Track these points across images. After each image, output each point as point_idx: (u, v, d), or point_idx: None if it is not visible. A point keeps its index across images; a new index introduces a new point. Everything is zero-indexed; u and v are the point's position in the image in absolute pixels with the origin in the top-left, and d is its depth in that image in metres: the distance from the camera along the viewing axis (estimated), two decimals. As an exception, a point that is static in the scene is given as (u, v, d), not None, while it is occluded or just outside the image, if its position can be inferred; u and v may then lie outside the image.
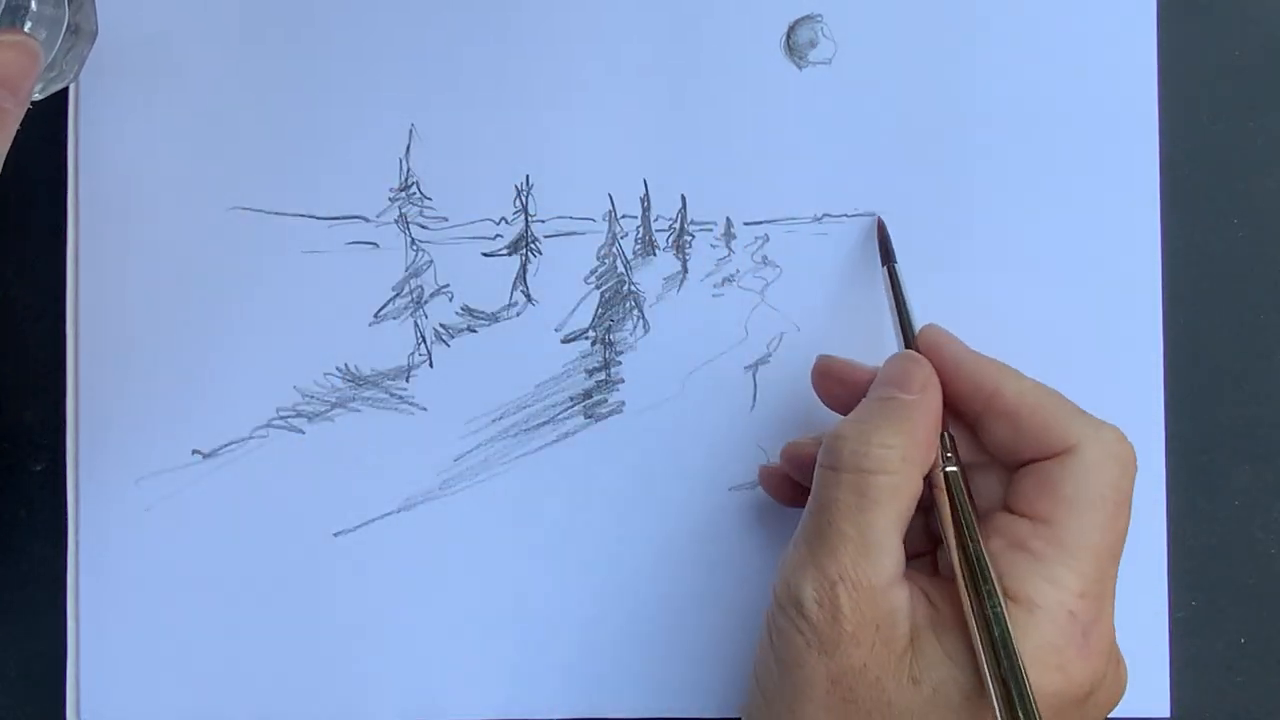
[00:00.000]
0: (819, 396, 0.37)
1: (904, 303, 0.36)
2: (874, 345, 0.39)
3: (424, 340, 0.39)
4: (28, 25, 0.33)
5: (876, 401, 0.34)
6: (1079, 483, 0.31)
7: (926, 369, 0.34)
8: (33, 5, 0.33)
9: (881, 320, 0.39)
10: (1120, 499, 0.31)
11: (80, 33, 0.34)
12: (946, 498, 0.32)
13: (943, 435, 0.33)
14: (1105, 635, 0.31)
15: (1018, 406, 0.33)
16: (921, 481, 0.32)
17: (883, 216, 0.39)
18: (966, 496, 0.32)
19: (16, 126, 0.31)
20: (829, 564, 0.31)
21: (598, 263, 0.39)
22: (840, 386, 0.36)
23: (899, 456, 0.32)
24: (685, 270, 0.39)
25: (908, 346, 0.35)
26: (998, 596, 0.30)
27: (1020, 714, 0.29)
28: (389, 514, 0.39)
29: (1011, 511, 0.32)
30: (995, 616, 0.30)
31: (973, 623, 0.30)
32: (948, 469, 0.33)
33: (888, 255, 0.38)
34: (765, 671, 0.33)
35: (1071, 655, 0.30)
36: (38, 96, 0.33)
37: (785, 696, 0.31)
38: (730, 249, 0.39)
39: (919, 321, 0.36)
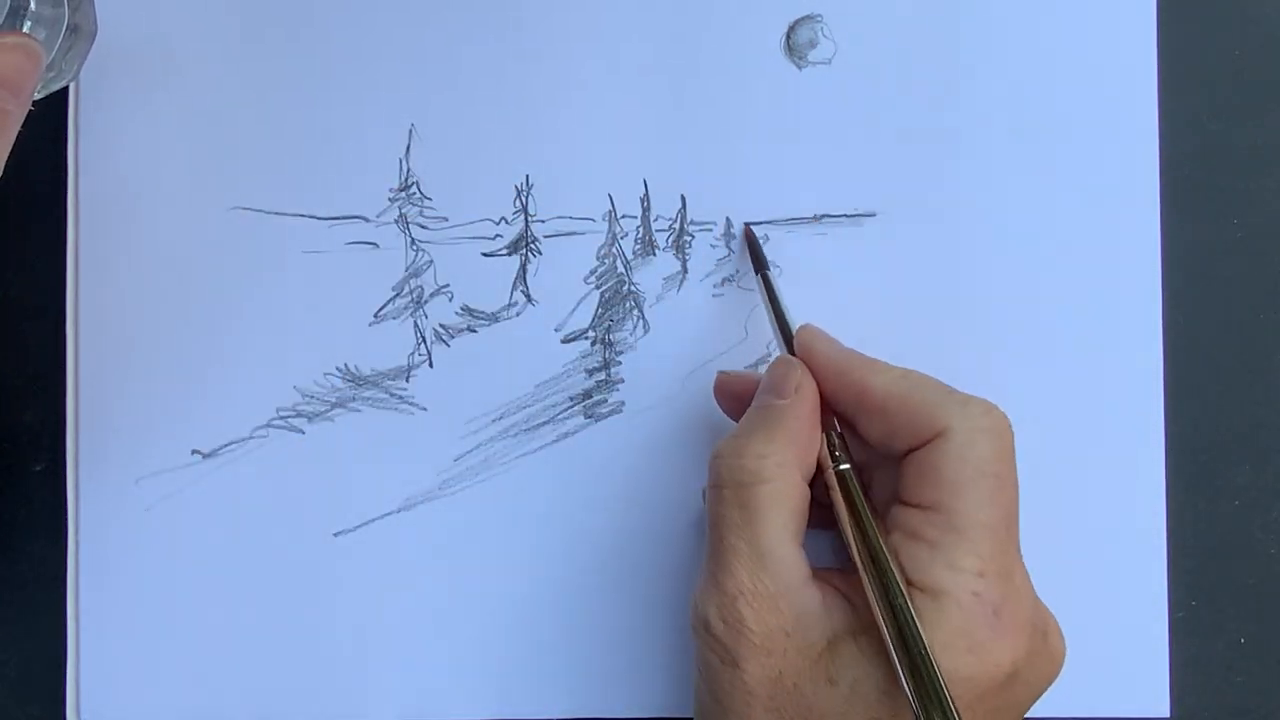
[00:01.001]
0: (725, 414, 0.37)
1: (780, 308, 0.36)
2: (874, 345, 0.39)
3: (424, 340, 0.39)
4: (27, 25, 0.33)
5: (754, 411, 0.34)
6: (955, 463, 0.31)
7: (797, 371, 0.34)
8: (32, 5, 0.33)
9: (884, 320, 0.39)
10: (1000, 469, 0.31)
11: (79, 32, 0.34)
12: (842, 497, 0.33)
13: (830, 434, 0.33)
14: (1020, 611, 0.31)
15: (884, 400, 0.33)
16: (805, 483, 0.33)
17: (883, 216, 0.39)
18: (861, 492, 0.32)
19: (18, 128, 0.31)
20: (727, 581, 0.31)
21: (598, 263, 0.39)
22: (736, 401, 0.36)
23: (774, 463, 0.32)
24: (685, 270, 0.39)
25: (789, 351, 0.35)
26: (899, 586, 0.30)
27: (934, 699, 0.29)
28: (389, 514, 0.39)
29: (905, 503, 0.32)
30: (898, 607, 0.30)
31: (879, 615, 0.30)
32: (839, 468, 0.33)
33: (760, 263, 0.38)
34: (698, 692, 0.33)
35: (983, 636, 0.30)
36: (37, 96, 0.33)
37: (716, 715, 0.32)
38: (730, 249, 0.39)
39: (795, 323, 0.36)
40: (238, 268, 0.39)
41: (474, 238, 0.39)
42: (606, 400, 0.39)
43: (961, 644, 0.30)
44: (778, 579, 0.31)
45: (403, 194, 0.39)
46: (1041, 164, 0.39)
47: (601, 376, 0.39)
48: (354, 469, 0.39)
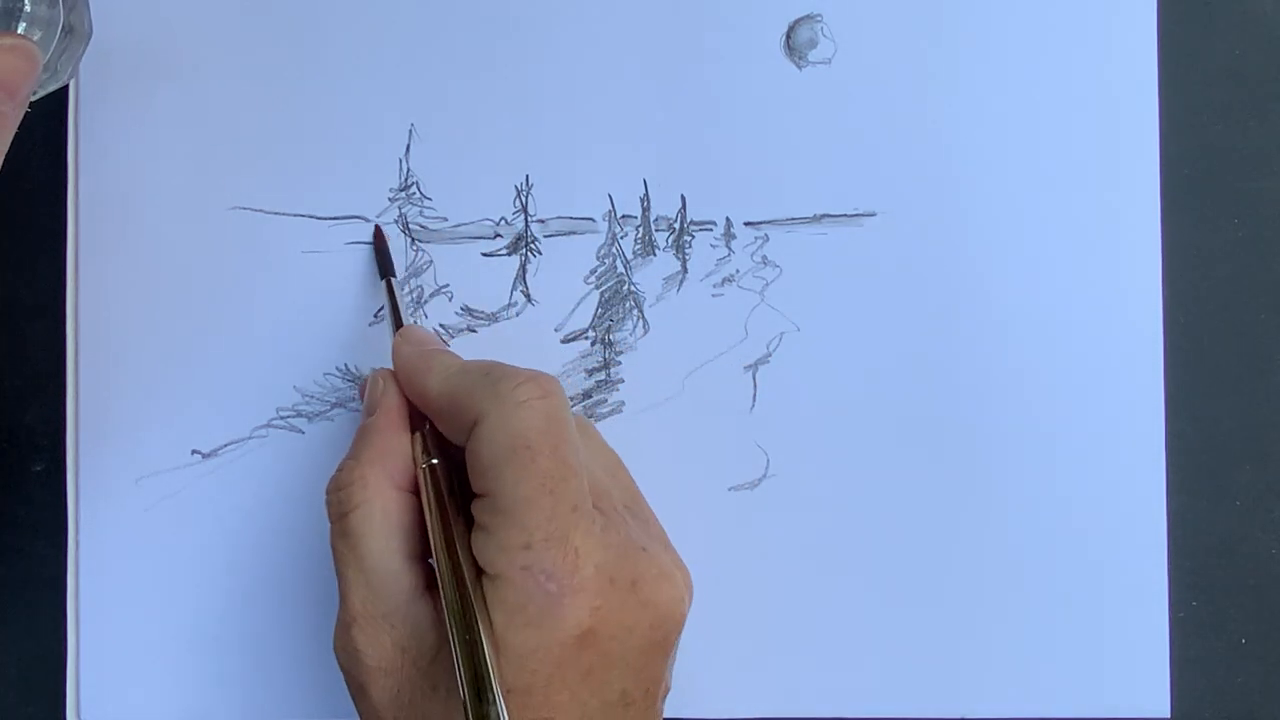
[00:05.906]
0: None
1: (400, 318, 0.36)
2: (873, 345, 0.39)
3: (424, 340, 0.39)
4: (22, 27, 0.33)
5: (356, 433, 0.34)
6: (487, 447, 0.31)
7: (380, 385, 0.34)
8: (27, 6, 0.33)
9: (884, 319, 0.39)
10: (529, 440, 0.31)
11: (75, 33, 0.34)
12: (425, 495, 0.33)
13: (420, 434, 0.34)
14: (579, 570, 0.30)
15: (437, 401, 0.33)
16: (407, 494, 0.33)
17: (883, 216, 0.39)
18: (440, 488, 0.33)
19: (15, 129, 0.31)
20: (344, 613, 0.32)
21: (598, 263, 0.39)
22: None
23: (359, 487, 0.32)
24: (685, 270, 0.39)
25: None
26: (454, 575, 0.31)
27: (484, 682, 0.29)
28: (389, 514, 0.39)
29: (476, 495, 0.32)
30: (452, 598, 0.30)
31: (446, 609, 0.31)
32: (423, 465, 0.33)
33: (386, 269, 0.38)
34: None
35: (539, 607, 0.30)
36: (33, 97, 0.33)
37: None
38: (730, 249, 0.39)
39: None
40: (238, 268, 0.39)
41: (474, 238, 0.39)
42: (606, 400, 0.39)
43: (519, 619, 0.30)
44: (387, 598, 0.32)
45: (403, 194, 0.39)
46: (1041, 164, 0.39)
47: (601, 376, 0.39)
48: (354, 469, 0.39)
